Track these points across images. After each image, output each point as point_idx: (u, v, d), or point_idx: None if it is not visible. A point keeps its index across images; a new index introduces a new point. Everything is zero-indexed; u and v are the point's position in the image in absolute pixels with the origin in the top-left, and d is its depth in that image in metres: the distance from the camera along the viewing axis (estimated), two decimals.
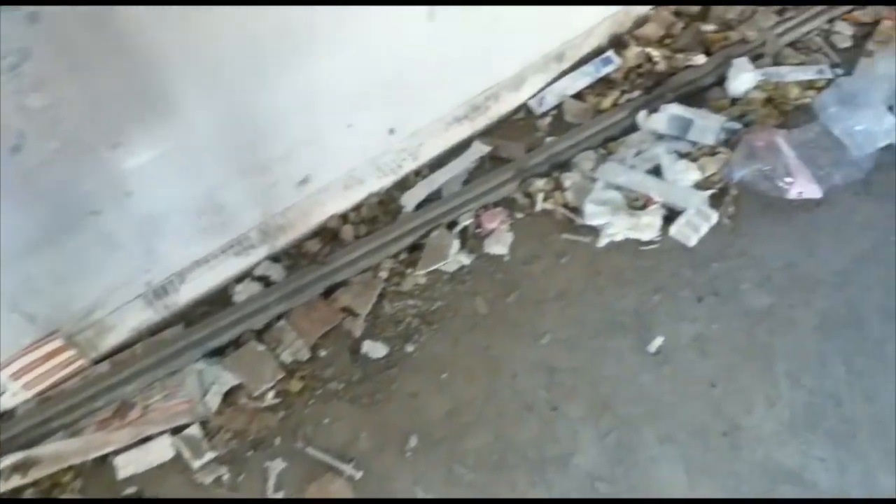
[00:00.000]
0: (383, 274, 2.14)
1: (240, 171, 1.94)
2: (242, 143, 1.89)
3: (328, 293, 2.12)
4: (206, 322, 2.06)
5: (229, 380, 1.98)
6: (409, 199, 2.29)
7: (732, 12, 2.60)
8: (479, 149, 2.40)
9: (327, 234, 2.24)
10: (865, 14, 2.56)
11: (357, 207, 2.29)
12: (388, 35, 1.94)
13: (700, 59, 2.48)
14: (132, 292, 2.01)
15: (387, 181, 2.31)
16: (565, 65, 2.51)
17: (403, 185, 2.34)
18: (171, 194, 1.85)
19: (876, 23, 2.53)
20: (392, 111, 2.16)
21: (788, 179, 2.09)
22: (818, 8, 2.56)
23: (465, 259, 2.16)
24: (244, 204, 2.03)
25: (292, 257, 2.21)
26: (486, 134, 2.45)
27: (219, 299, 2.15)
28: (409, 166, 2.34)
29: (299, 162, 2.05)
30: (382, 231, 2.21)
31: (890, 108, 2.27)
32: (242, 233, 2.11)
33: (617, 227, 2.13)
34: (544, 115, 2.49)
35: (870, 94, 2.16)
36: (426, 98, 2.21)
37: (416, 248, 2.20)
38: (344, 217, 2.27)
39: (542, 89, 2.50)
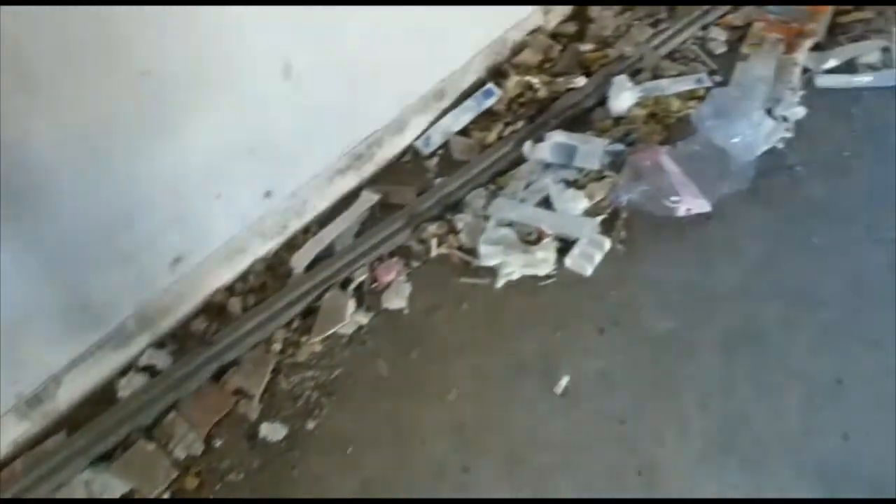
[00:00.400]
0: (276, 346, 2.03)
1: (102, 264, 1.81)
2: (98, 235, 1.76)
3: (219, 376, 1.99)
4: (89, 426, 1.92)
5: (119, 487, 1.84)
6: (299, 261, 2.19)
7: (608, 29, 2.59)
8: (369, 198, 2.32)
9: (213, 309, 2.12)
10: (737, 17, 2.58)
11: (243, 276, 2.17)
12: (244, 100, 1.84)
13: (580, 80, 2.45)
14: (1, 408, 1.84)
15: (273, 244, 2.21)
16: (447, 102, 2.45)
17: (292, 245, 2.23)
18: (25, 300, 1.71)
19: (748, 25, 2.55)
20: (264, 174, 2.06)
21: (675, 198, 2.06)
22: (692, 16, 2.57)
23: (363, 318, 2.07)
24: (114, 295, 1.89)
25: (178, 340, 2.08)
26: (374, 181, 2.37)
27: (103, 398, 2.00)
28: (296, 225, 2.24)
29: (168, 242, 1.92)
30: (272, 299, 2.10)
31: (768, 111, 2.29)
32: (119, 323, 1.96)
33: (513, 266, 2.08)
34: (432, 154, 2.42)
35: (742, 103, 2.16)
36: (300, 155, 2.11)
37: (310, 312, 2.10)
38: (230, 289, 2.16)
39: (427, 129, 2.44)
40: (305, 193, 2.20)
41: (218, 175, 1.92)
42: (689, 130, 2.27)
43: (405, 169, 2.42)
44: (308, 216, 2.25)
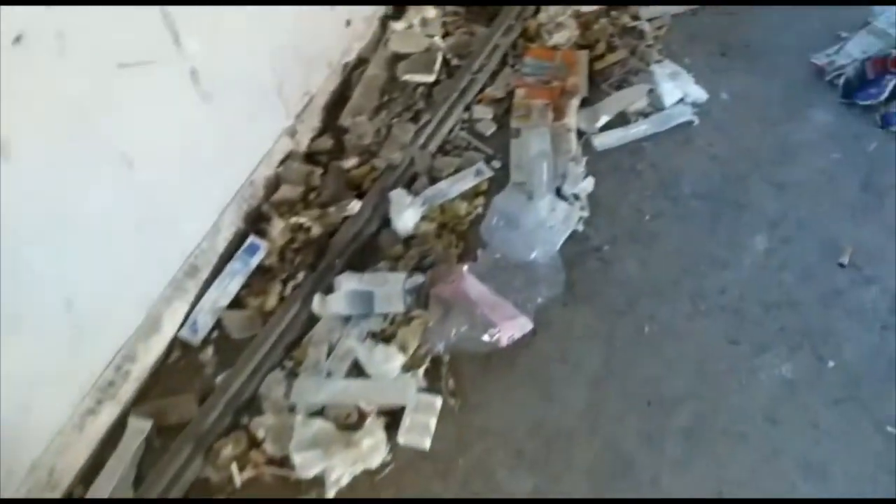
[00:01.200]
0: None
1: None
2: None
3: None
4: None
5: None
6: None
7: (367, 136, 2.28)
8: (139, 427, 1.83)
9: None
10: (497, 90, 2.40)
11: None
12: None
13: (354, 205, 2.13)
14: None
15: None
16: (205, 274, 2.02)
17: None
18: None
19: (510, 95, 2.37)
20: None
21: (493, 331, 1.81)
22: (450, 100, 2.34)
23: None
24: None
25: None
26: (140, 402, 1.89)
27: None
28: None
29: None
30: None
31: (558, 191, 2.11)
32: None
33: (339, 468, 1.70)
34: (205, 342, 1.98)
35: (525, 208, 1.98)
36: (23, 429, 1.59)
37: None
38: None
39: (190, 313, 1.99)
40: (50, 460, 1.68)
41: None
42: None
43: (176, 371, 1.95)
44: (64, 483, 1.73)
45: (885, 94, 2.13)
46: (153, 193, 1.76)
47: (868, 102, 2.16)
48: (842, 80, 2.20)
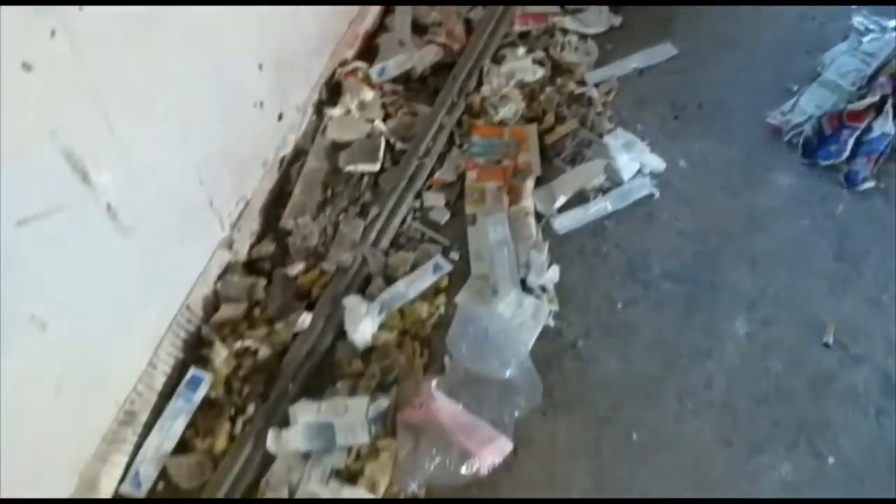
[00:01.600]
0: None
1: None
2: None
3: None
4: None
5: None
6: None
7: (313, 237, 2.11)
8: None
9: None
10: (447, 173, 2.25)
11: None
12: None
13: (305, 318, 1.94)
14: None
15: None
16: (143, 417, 1.81)
17: None
18: None
19: (461, 178, 2.23)
20: None
21: (471, 461, 1.65)
22: (398, 188, 2.18)
23: None
24: None
25: None
26: None
27: None
28: None
29: None
30: None
31: (522, 283, 1.98)
32: None
33: None
34: (150, 498, 1.76)
35: (491, 310, 1.83)
36: None
37: None
38: None
39: (130, 465, 1.77)
40: None
41: None
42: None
43: None
44: None
45: (846, 153, 2.07)
46: (73, 350, 1.54)
47: (830, 162, 2.09)
48: (801, 140, 2.14)
